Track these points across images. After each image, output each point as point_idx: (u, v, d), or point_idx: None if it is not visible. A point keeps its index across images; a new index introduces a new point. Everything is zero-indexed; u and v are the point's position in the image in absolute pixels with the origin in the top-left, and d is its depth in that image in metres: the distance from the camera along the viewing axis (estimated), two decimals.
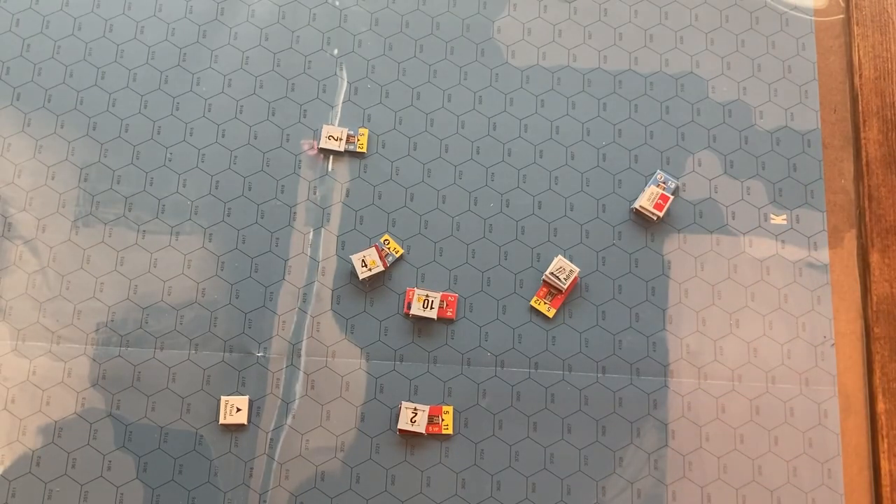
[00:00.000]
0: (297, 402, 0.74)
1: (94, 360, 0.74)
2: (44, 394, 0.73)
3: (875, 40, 0.81)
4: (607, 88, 0.82)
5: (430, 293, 0.75)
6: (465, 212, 0.78)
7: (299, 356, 0.75)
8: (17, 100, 0.80)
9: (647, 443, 0.73)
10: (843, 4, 0.83)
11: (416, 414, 0.73)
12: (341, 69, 0.82)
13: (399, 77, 0.82)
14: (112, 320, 0.75)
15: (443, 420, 0.73)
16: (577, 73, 0.82)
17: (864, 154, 0.79)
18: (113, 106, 0.80)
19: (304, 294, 0.76)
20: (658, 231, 0.78)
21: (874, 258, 0.77)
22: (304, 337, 0.75)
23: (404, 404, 0.73)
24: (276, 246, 0.77)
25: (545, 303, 0.76)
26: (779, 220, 0.78)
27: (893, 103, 0.79)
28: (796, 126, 0.81)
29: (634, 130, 0.81)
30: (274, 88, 0.81)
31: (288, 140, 0.80)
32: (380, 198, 0.79)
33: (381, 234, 0.78)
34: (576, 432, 0.73)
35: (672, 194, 0.78)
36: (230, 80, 0.81)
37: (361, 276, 0.75)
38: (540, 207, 0.79)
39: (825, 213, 0.78)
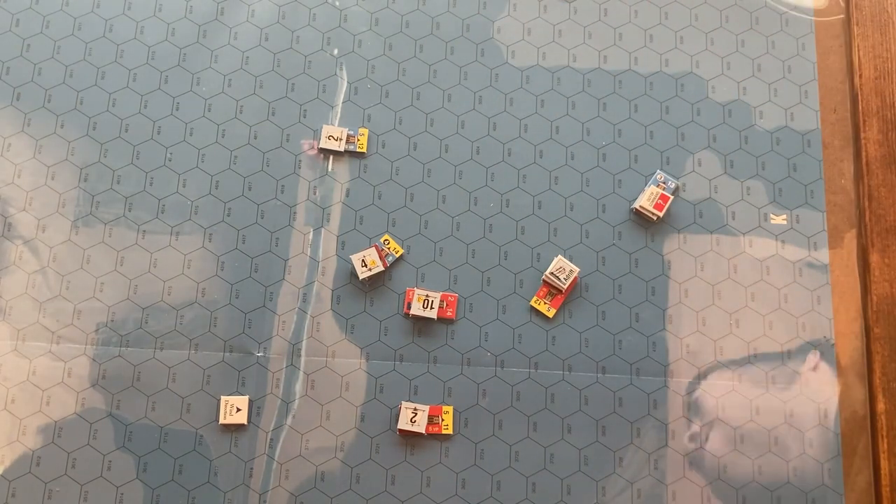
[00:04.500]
0: (297, 402, 0.74)
1: (94, 360, 0.74)
2: (44, 394, 0.73)
3: (875, 40, 0.81)
4: (607, 88, 0.82)
5: (430, 293, 0.75)
6: (465, 212, 0.78)
7: (299, 356, 0.75)
8: (17, 100, 0.80)
9: (647, 443, 0.73)
10: (843, 4, 0.83)
11: (416, 414, 0.73)
12: (341, 69, 0.82)
13: (399, 77, 0.82)
14: (112, 320, 0.75)
15: (443, 420, 0.73)
16: (577, 73, 0.82)
17: (864, 154, 0.79)
18: (113, 106, 0.80)
19: (304, 294, 0.76)
20: (658, 231, 0.78)
21: (874, 258, 0.77)
22: (304, 337, 0.75)
23: (404, 404, 0.73)
24: (276, 246, 0.77)
25: (545, 303, 0.76)
26: (779, 220, 0.78)
27: (893, 103, 0.79)
28: (796, 126, 0.81)
29: (634, 130, 0.81)
30: (274, 88, 0.81)
31: (288, 140, 0.80)
32: (380, 198, 0.79)
33: (381, 234, 0.78)
34: (576, 432, 0.74)
35: (672, 194, 0.78)
36: (230, 80, 0.81)
37: (361, 276, 0.75)
38: (540, 207, 0.79)
39: (825, 213, 0.78)
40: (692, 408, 0.74)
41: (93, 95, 0.80)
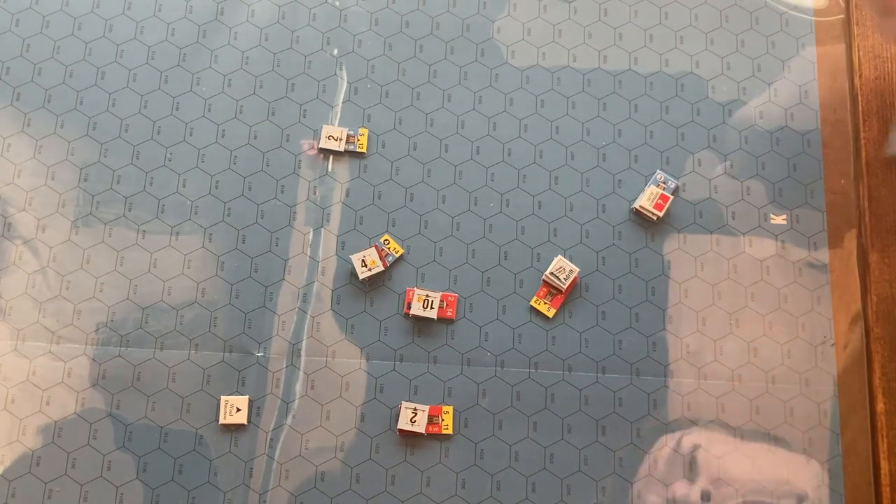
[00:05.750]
0: (297, 402, 0.74)
1: (94, 360, 0.74)
2: (44, 394, 0.73)
3: (875, 40, 0.81)
4: (607, 88, 0.82)
5: (430, 293, 0.75)
6: (465, 212, 0.78)
7: (299, 356, 0.75)
8: (17, 100, 0.80)
9: (646, 443, 0.73)
10: (843, 4, 0.83)
11: (416, 414, 0.73)
12: (341, 69, 0.82)
13: (399, 77, 0.82)
14: (112, 320, 0.75)
15: (443, 420, 0.73)
16: (577, 73, 0.82)
17: (864, 154, 0.79)
18: (113, 106, 0.80)
19: (304, 294, 0.76)
20: (658, 231, 0.78)
21: (874, 258, 0.77)
22: (304, 337, 0.75)
23: (404, 404, 0.73)
24: (276, 246, 0.77)
25: (545, 303, 0.76)
26: (779, 220, 0.78)
27: (893, 103, 0.79)
28: (796, 126, 0.81)
29: (634, 130, 0.81)
30: (274, 88, 0.81)
31: (288, 140, 0.80)
32: (380, 198, 0.79)
33: (381, 234, 0.78)
34: (576, 432, 0.73)
35: (672, 194, 0.78)
36: (230, 80, 0.81)
37: (361, 276, 0.75)
38: (540, 207, 0.79)
39: (825, 213, 0.78)
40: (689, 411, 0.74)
41: (93, 95, 0.80)
